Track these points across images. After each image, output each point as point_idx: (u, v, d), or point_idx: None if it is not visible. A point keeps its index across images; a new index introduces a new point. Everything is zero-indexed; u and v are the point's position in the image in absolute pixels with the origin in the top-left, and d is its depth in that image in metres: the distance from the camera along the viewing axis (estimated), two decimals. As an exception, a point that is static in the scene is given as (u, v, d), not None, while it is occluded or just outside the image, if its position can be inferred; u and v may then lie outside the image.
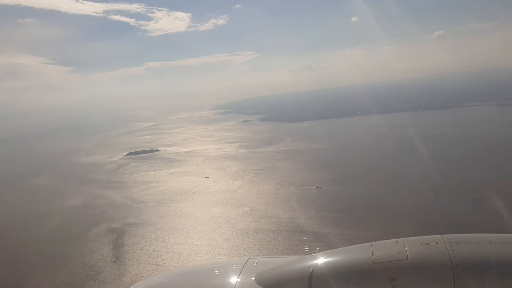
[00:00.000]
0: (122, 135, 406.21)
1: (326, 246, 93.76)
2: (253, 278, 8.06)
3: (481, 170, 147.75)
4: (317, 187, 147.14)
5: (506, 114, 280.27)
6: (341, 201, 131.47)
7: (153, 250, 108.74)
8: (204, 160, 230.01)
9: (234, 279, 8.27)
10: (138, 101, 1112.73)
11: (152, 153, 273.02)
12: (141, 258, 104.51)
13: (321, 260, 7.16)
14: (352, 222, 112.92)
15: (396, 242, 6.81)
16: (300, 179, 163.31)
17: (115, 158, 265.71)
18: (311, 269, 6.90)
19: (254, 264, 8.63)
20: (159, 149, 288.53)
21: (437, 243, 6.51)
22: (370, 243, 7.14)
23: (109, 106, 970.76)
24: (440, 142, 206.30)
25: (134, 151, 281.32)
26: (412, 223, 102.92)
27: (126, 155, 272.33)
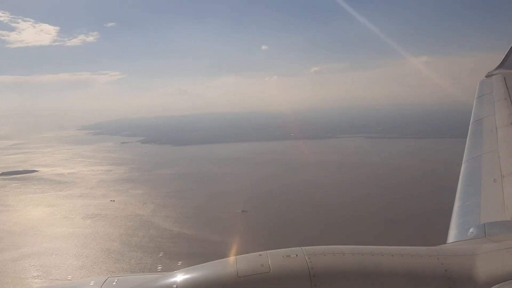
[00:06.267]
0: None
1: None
2: None
3: (382, 194, 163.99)
4: (242, 211, 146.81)
5: (375, 145, 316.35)
6: (270, 224, 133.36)
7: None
8: (98, 182, 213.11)
9: None
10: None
11: (29, 174, 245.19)
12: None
13: (185, 276, 6.74)
14: (290, 244, 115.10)
15: (260, 255, 6.86)
16: (219, 202, 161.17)
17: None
18: (174, 286, 6.50)
19: (114, 283, 7.53)
20: (36, 169, 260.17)
21: (297, 255, 6.72)
22: (235, 257, 7.02)
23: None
24: (333, 169, 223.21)
25: (6, 171, 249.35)
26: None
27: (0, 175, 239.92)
